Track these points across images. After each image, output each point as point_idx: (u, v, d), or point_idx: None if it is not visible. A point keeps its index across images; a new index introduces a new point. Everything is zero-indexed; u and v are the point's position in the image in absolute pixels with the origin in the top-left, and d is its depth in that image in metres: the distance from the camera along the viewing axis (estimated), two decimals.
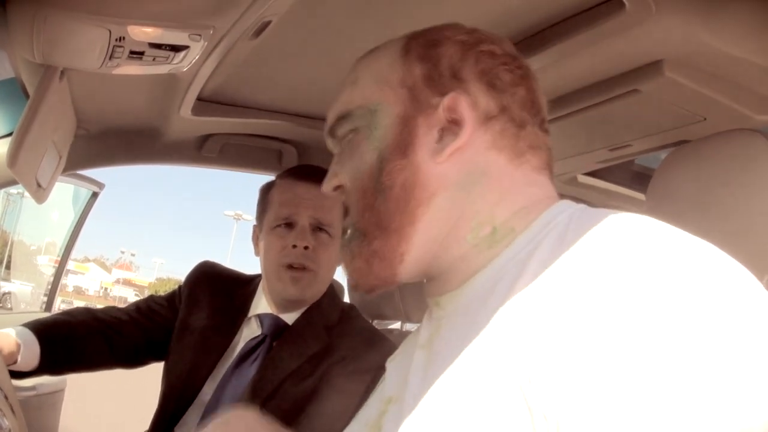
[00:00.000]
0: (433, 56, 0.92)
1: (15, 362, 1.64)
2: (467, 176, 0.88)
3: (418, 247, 0.89)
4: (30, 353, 1.69)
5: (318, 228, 1.84)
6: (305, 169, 1.94)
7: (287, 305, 1.87)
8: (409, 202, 0.88)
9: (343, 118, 0.97)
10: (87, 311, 1.95)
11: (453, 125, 0.89)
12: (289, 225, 1.84)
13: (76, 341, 1.82)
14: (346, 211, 0.97)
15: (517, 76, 0.93)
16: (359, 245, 0.92)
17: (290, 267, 1.81)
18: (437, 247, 0.89)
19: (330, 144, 1.04)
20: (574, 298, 0.66)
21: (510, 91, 0.91)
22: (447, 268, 0.90)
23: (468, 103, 0.89)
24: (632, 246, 0.68)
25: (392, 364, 1.03)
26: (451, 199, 0.88)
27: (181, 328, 1.93)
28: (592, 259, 0.69)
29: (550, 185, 0.93)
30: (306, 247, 1.81)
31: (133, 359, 1.96)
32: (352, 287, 0.97)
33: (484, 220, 0.88)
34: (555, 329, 0.66)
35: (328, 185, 0.99)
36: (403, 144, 0.90)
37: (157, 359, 1.99)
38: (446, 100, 0.89)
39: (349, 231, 0.95)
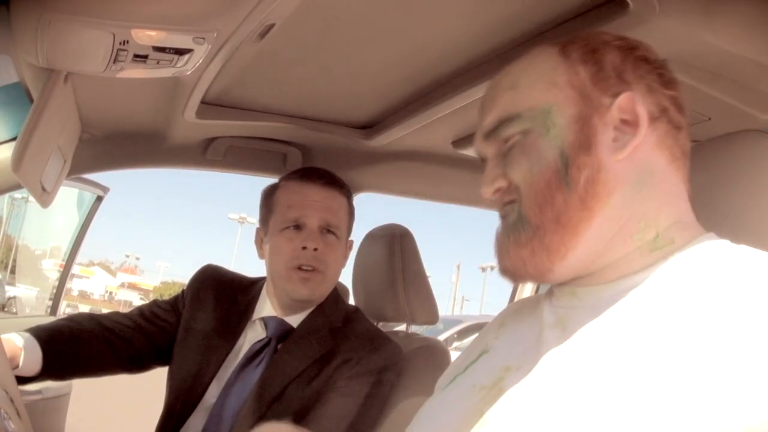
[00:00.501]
0: (596, 59, 0.96)
1: (16, 367, 1.64)
2: (639, 175, 0.93)
3: (586, 243, 0.93)
4: (32, 359, 1.69)
5: (326, 230, 1.86)
6: (312, 171, 1.95)
7: (294, 306, 1.88)
8: (591, 199, 0.92)
9: (508, 120, 0.99)
10: (90, 317, 1.94)
11: (625, 125, 0.94)
12: (298, 227, 1.85)
13: (79, 347, 1.82)
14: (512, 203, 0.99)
15: (668, 80, 0.97)
16: (529, 237, 0.95)
17: (300, 268, 1.82)
18: (603, 245, 0.93)
19: (481, 147, 1.06)
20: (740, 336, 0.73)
21: (665, 94, 0.96)
22: (603, 267, 0.94)
23: (639, 101, 0.93)
24: None
25: (499, 342, 1.07)
26: (625, 197, 0.92)
27: (184, 331, 1.94)
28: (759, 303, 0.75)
29: (688, 199, 0.98)
30: (315, 249, 1.82)
31: (137, 365, 1.95)
32: (504, 273, 1.00)
33: (650, 223, 0.93)
34: (720, 356, 0.73)
35: (490, 187, 1.01)
36: (585, 141, 0.93)
37: (162, 364, 1.99)
38: (621, 100, 0.93)
39: (512, 218, 0.97)
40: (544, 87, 0.97)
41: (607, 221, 0.92)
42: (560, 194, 0.92)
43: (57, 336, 1.79)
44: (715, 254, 0.88)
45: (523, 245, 0.95)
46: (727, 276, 0.82)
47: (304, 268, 1.82)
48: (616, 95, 0.94)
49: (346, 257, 1.97)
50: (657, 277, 0.89)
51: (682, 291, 0.83)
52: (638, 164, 0.93)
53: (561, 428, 0.79)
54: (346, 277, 2.21)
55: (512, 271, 0.98)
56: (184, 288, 2.06)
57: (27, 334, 1.72)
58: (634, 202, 0.92)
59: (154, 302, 2.05)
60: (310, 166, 2.19)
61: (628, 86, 0.94)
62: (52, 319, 3.06)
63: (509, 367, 0.96)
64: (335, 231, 1.87)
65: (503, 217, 1.01)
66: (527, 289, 2.94)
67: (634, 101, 0.93)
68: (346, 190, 1.95)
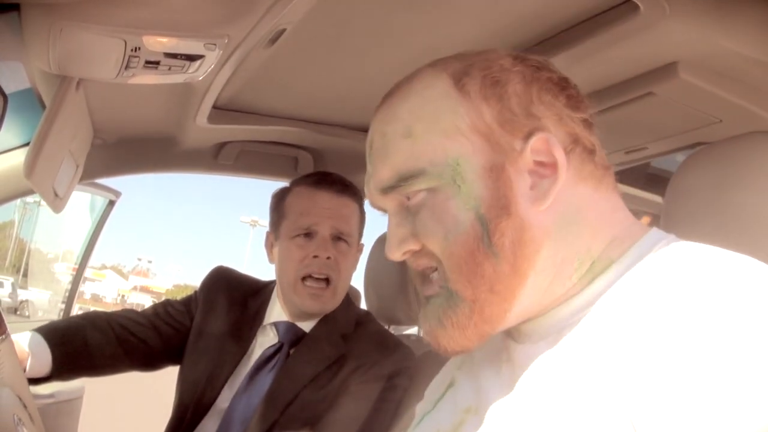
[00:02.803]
0: (499, 94, 0.86)
1: (23, 371, 1.64)
2: (564, 217, 0.85)
3: (523, 300, 0.85)
4: (39, 361, 1.69)
5: (338, 238, 1.84)
6: (324, 177, 1.93)
7: (304, 316, 1.88)
8: (521, 262, 0.84)
9: (410, 177, 0.87)
10: (105, 315, 1.95)
11: (540, 167, 0.85)
12: (309, 234, 1.84)
13: (91, 345, 1.82)
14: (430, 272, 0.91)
15: (576, 101, 0.89)
16: (468, 315, 0.85)
17: (309, 278, 1.82)
18: (542, 294, 0.86)
19: (378, 201, 0.95)
20: (679, 339, 0.67)
21: (575, 119, 0.87)
22: (546, 306, 0.87)
23: (554, 141, 0.84)
24: (741, 293, 0.69)
25: (463, 375, 1.02)
26: (554, 246, 0.85)
27: (197, 334, 1.94)
28: (698, 301, 0.69)
29: (624, 206, 0.92)
30: (328, 258, 1.81)
31: (149, 363, 1.96)
32: (451, 354, 0.90)
33: (584, 258, 0.86)
34: (656, 367, 0.68)
35: (398, 251, 0.90)
36: (502, 198, 0.84)
37: (174, 363, 2.00)
38: (535, 142, 0.84)
39: (442, 299, 0.88)
40: (445, 134, 0.86)
41: (540, 275, 0.85)
42: (488, 263, 0.83)
43: (68, 334, 1.79)
44: (643, 258, 0.83)
45: (465, 326, 0.85)
46: (660, 283, 0.76)
47: (315, 276, 1.81)
48: (527, 136, 0.84)
49: (356, 262, 1.97)
50: (589, 297, 0.84)
51: (617, 305, 0.79)
52: (561, 207, 0.85)
53: None
54: (357, 281, 2.21)
55: (462, 351, 0.89)
56: (197, 290, 2.06)
57: (36, 335, 1.72)
58: (564, 245, 0.85)
59: (168, 302, 2.06)
60: (321, 170, 2.20)
61: (538, 122, 0.85)
62: None
63: (469, 409, 0.92)
64: (347, 239, 1.86)
65: (427, 296, 0.92)
66: None
67: (549, 143, 0.84)
68: (358, 196, 1.93)
